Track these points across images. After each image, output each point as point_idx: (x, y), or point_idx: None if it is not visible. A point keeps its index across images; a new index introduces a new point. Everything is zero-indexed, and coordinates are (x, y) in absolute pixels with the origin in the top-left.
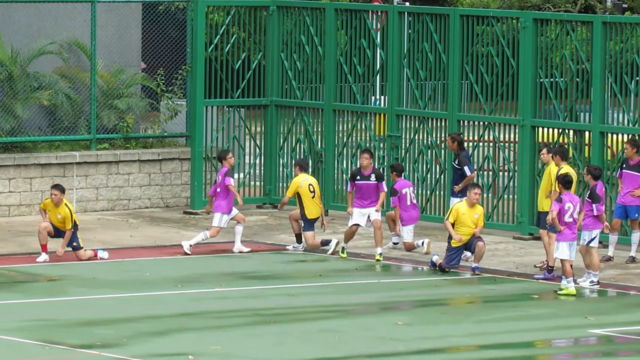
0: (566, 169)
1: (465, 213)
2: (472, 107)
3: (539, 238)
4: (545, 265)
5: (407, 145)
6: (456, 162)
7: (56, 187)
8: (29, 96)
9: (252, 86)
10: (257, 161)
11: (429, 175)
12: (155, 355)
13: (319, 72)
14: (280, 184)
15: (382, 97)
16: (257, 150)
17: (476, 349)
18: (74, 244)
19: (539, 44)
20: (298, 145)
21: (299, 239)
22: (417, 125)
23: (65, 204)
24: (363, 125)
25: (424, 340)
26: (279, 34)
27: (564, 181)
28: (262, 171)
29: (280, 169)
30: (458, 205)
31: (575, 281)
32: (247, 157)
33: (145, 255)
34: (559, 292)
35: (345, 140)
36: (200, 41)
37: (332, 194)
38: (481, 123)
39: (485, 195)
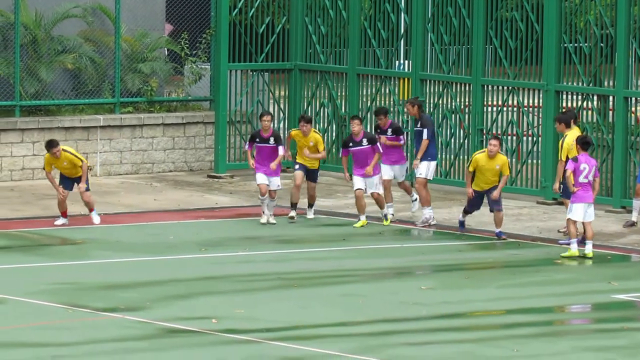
0: (574, 133)
1: (484, 164)
2: (496, 72)
3: (562, 203)
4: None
5: (431, 109)
6: (419, 125)
7: (51, 144)
8: (53, 60)
9: (276, 50)
10: (281, 125)
11: (452, 140)
12: (178, 318)
13: (343, 36)
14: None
15: (406, 62)
16: (281, 114)
17: (499, 313)
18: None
19: (563, 9)
20: (322, 110)
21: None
22: (441, 89)
23: (64, 150)
24: (387, 90)
25: (447, 304)
26: None
27: (583, 142)
28: (286, 135)
29: None
30: (478, 155)
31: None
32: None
33: (169, 219)
34: (563, 254)
35: (369, 104)
36: (224, 5)
37: None
38: (505, 88)
39: (509, 160)
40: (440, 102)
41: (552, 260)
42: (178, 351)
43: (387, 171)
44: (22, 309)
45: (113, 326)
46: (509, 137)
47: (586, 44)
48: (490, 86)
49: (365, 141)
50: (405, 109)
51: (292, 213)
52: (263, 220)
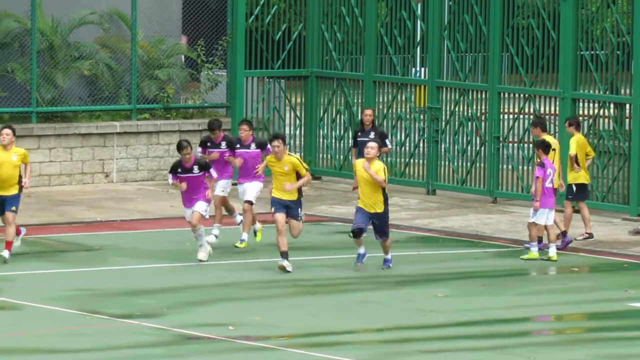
0: (547, 139)
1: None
2: (512, 80)
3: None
4: (586, 236)
5: (447, 117)
6: (372, 135)
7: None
8: (69, 66)
9: (293, 57)
10: (297, 132)
11: (469, 148)
12: (195, 325)
13: (359, 43)
14: (320, 155)
15: (423, 69)
16: (297, 121)
17: (516, 321)
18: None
19: (580, 17)
20: (338, 117)
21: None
22: (457, 97)
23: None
24: (403, 97)
25: (464, 312)
26: (319, 4)
27: (544, 145)
28: (302, 142)
29: (321, 140)
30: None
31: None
32: (287, 128)
33: (185, 226)
34: (523, 257)
35: (385, 111)
36: (240, 12)
37: None
38: (521, 95)
39: (525, 167)
40: (457, 109)
41: (568, 268)
42: (195, 358)
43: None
44: (39, 315)
45: (129, 333)
46: (525, 145)
47: (603, 52)
48: (506, 94)
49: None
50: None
51: (285, 263)
52: (200, 256)
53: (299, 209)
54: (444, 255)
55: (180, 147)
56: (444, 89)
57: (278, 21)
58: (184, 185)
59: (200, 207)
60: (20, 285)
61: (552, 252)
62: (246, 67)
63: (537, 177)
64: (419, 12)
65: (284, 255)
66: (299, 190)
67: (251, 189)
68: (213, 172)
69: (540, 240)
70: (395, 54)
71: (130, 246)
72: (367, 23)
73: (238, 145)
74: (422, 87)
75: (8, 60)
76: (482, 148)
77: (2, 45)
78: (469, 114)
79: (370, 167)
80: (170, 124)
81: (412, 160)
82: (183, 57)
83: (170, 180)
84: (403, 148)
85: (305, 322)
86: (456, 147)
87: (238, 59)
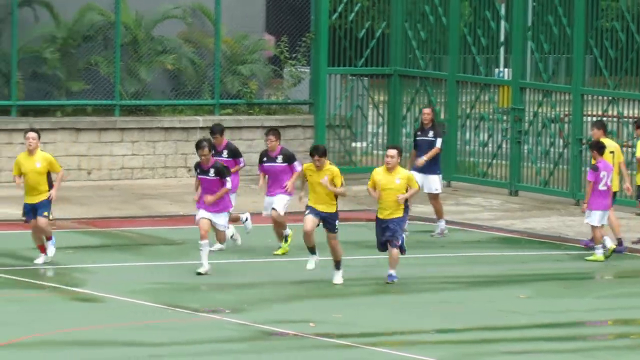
0: (605, 141)
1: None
2: (595, 82)
3: None
4: None
5: (530, 118)
6: (432, 134)
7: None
8: (153, 60)
9: (376, 55)
10: (380, 130)
11: (552, 149)
12: (276, 321)
13: (442, 42)
14: (403, 154)
15: (505, 70)
16: (380, 119)
17: (598, 324)
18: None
19: None
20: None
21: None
22: (540, 98)
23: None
24: (486, 97)
25: (546, 313)
26: (403, 3)
27: (599, 147)
28: (385, 140)
29: (403, 138)
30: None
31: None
32: (369, 126)
33: (266, 222)
34: (588, 258)
35: (468, 111)
36: (324, 9)
37: (454, 166)
38: (605, 98)
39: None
40: (540, 110)
41: None
42: (276, 354)
43: None
44: (121, 308)
45: (211, 327)
46: None
47: None
48: (589, 96)
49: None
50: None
51: (311, 263)
52: (202, 270)
53: (336, 221)
54: (525, 257)
55: (197, 146)
56: (527, 89)
57: (361, 19)
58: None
59: (221, 222)
60: (102, 277)
61: (599, 253)
62: (329, 65)
63: (589, 181)
64: (502, 12)
65: (312, 250)
66: (337, 203)
67: (279, 200)
68: (228, 183)
69: (620, 242)
70: (479, 54)
71: (212, 241)
72: (451, 22)
73: (265, 159)
74: (506, 87)
75: (92, 53)
76: (565, 150)
77: (86, 38)
78: (552, 116)
79: (395, 175)
80: (253, 119)
81: (494, 161)
82: (266, 53)
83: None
84: (486, 149)
85: (386, 320)
86: (539, 149)
87: (321, 56)
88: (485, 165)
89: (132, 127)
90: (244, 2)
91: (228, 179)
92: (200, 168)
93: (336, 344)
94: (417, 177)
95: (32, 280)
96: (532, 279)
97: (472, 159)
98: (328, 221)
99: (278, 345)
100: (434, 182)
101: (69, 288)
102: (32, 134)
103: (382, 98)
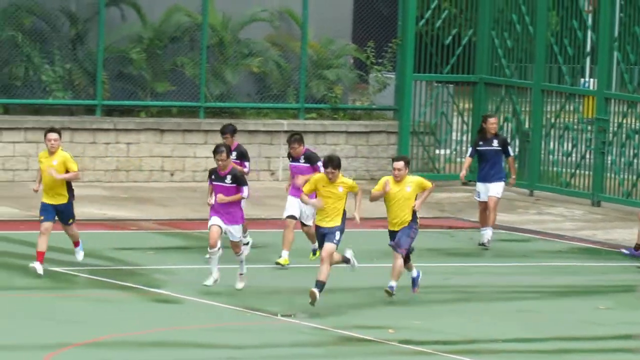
0: None
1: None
2: None
3: None
4: None
5: (615, 129)
6: (496, 143)
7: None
8: (238, 62)
9: (462, 63)
10: (464, 138)
11: (635, 160)
12: (354, 327)
13: (528, 51)
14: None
15: (591, 80)
16: (465, 127)
17: None
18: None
19: None
20: (505, 125)
21: None
22: (625, 109)
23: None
24: (571, 107)
25: (626, 325)
26: (490, 11)
27: None
28: (468, 148)
29: None
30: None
31: None
32: (453, 134)
33: (348, 227)
34: None
35: (552, 121)
36: (411, 15)
37: (537, 175)
38: None
39: None
40: (624, 122)
41: None
42: (353, 359)
43: None
44: (200, 309)
45: (289, 331)
46: None
47: None
48: None
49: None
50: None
51: (318, 296)
52: (210, 281)
53: (337, 232)
54: (606, 268)
55: (215, 151)
56: (612, 100)
57: (448, 26)
58: (212, 200)
59: (236, 233)
60: (182, 279)
61: None
62: (415, 71)
63: None
64: (589, 22)
65: (319, 284)
66: (343, 216)
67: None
68: (245, 191)
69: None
70: (565, 64)
71: (294, 245)
72: (538, 31)
73: (291, 159)
74: (590, 98)
75: (178, 55)
76: None
77: (173, 39)
78: (637, 127)
79: (404, 184)
80: (337, 124)
81: (578, 171)
82: (351, 58)
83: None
84: (569, 158)
85: (465, 328)
86: (622, 160)
87: (407, 62)
88: (568, 175)
89: (216, 130)
90: (332, 7)
91: (245, 187)
92: (216, 174)
93: (415, 351)
94: (481, 186)
95: (112, 281)
96: (613, 290)
97: (555, 169)
98: (329, 234)
99: (356, 351)
100: (498, 187)
101: (149, 289)
102: (53, 135)
103: (467, 105)
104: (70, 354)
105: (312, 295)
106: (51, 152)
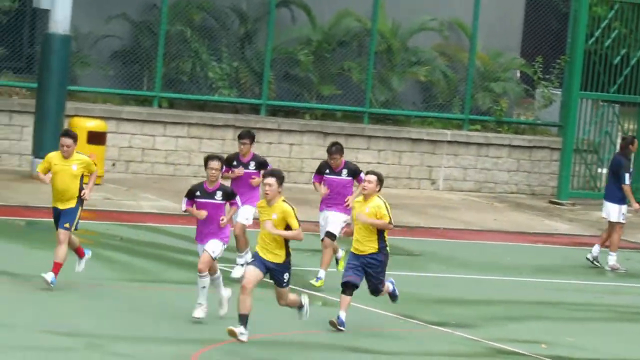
0: None
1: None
2: None
3: None
4: None
5: None
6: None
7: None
8: (405, 70)
9: (629, 83)
10: None
11: None
12: (508, 340)
13: None
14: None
15: None
16: None
17: None
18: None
19: None
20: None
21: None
22: None
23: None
24: None
25: None
26: None
27: None
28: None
29: None
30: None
31: None
32: None
33: (507, 240)
34: None
35: None
36: (581, 33)
37: None
38: None
39: None
40: None
41: None
42: None
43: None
44: (354, 313)
45: (441, 340)
46: None
47: None
48: None
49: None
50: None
51: (238, 330)
52: (196, 314)
53: (285, 274)
54: None
55: (207, 161)
56: None
57: (617, 46)
58: (203, 213)
59: (212, 246)
60: (337, 282)
61: None
62: (582, 89)
63: None
64: None
65: (243, 319)
66: (287, 252)
67: (335, 220)
68: (239, 200)
69: None
70: None
71: (450, 255)
72: None
73: (327, 171)
74: None
75: (345, 59)
76: None
77: (341, 43)
78: None
79: (367, 205)
80: (501, 137)
81: None
82: (519, 72)
83: (184, 207)
84: None
85: (619, 348)
86: None
87: (574, 80)
88: None
89: (379, 136)
90: (502, 19)
91: (238, 197)
92: (201, 191)
93: None
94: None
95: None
96: None
97: None
98: (276, 271)
99: None
100: (612, 210)
101: (305, 290)
102: (66, 141)
103: (632, 126)
104: (222, 350)
105: (232, 333)
106: (65, 157)
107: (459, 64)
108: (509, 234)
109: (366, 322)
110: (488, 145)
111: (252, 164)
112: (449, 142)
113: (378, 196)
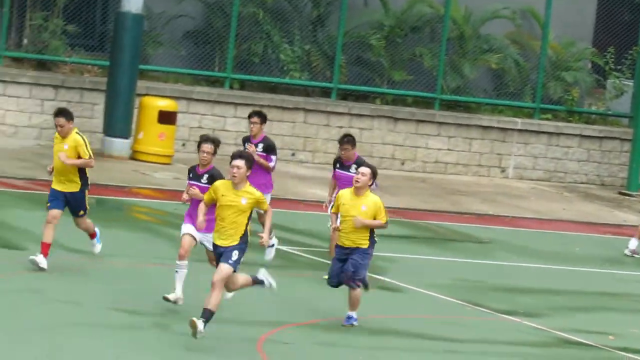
0: None
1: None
2: None
3: None
4: None
5: None
6: None
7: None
8: (477, 57)
9: None
10: None
11: None
12: (575, 330)
13: None
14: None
15: None
16: None
17: None
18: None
19: None
20: None
21: None
22: None
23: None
24: None
25: None
26: None
27: None
28: None
29: None
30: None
31: None
32: None
33: (576, 230)
34: None
35: None
36: None
37: None
38: None
39: None
40: None
41: None
42: None
43: None
44: (419, 299)
45: (509, 329)
46: None
47: None
48: None
49: None
50: None
51: (199, 323)
52: (172, 296)
53: (234, 252)
54: None
55: (200, 143)
56: None
57: None
58: (192, 192)
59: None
60: (405, 268)
61: None
62: None
63: None
64: None
65: (207, 314)
66: (245, 235)
67: None
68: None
69: None
70: None
71: (519, 243)
72: None
73: (338, 165)
74: None
75: (417, 45)
76: None
77: (414, 29)
78: None
79: (362, 203)
80: (572, 127)
81: None
82: (590, 62)
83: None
84: None
85: None
86: None
87: None
88: None
89: (449, 122)
90: (575, 9)
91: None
92: (193, 172)
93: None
94: None
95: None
96: None
97: None
98: (226, 252)
99: (573, 354)
100: None
101: (371, 275)
102: (59, 120)
103: None
104: (285, 333)
105: (193, 325)
106: (62, 136)
107: (530, 52)
108: (577, 224)
109: (431, 308)
110: (558, 134)
111: (260, 146)
112: (520, 130)
113: (372, 192)
